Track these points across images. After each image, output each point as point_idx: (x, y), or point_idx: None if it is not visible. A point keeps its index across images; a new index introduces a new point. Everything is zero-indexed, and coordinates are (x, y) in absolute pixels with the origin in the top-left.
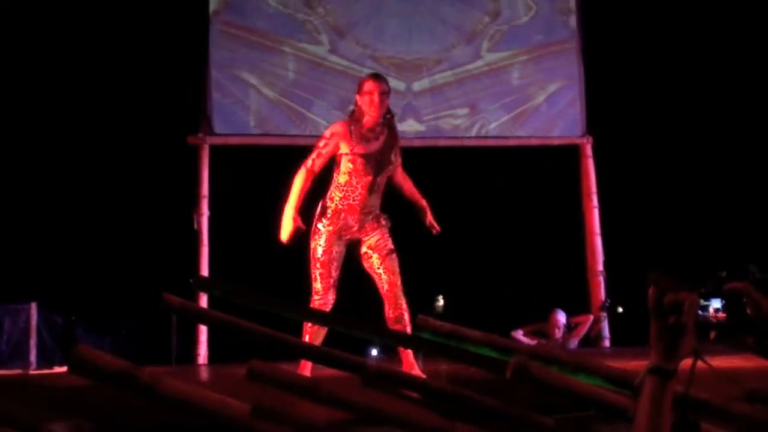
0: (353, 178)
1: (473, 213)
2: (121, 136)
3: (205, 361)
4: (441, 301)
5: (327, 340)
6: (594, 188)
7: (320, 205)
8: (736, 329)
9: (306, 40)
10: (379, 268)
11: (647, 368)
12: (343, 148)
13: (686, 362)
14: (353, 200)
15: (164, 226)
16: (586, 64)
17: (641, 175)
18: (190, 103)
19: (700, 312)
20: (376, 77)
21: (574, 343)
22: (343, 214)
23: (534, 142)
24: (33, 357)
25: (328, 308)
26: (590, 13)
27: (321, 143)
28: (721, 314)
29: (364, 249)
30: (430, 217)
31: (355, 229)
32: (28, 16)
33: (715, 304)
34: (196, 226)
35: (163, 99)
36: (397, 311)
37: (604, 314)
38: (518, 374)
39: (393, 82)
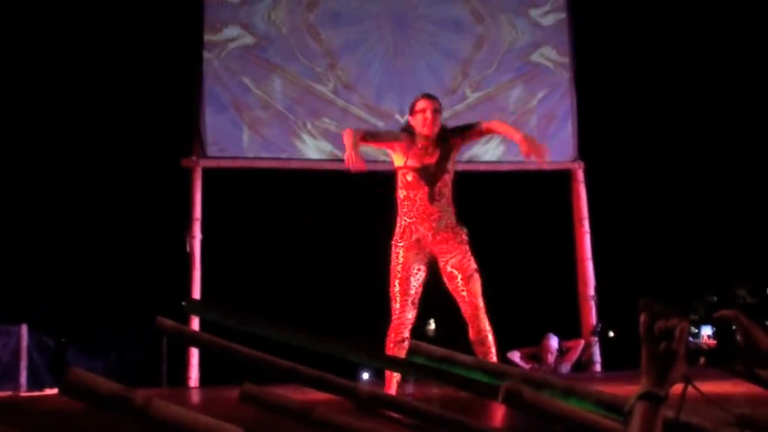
0: (410, 191)
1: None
2: (114, 158)
3: (197, 384)
4: (432, 325)
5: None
6: (585, 213)
7: (394, 234)
8: (727, 356)
9: (310, 78)
10: (462, 290)
11: (638, 393)
12: (397, 161)
13: (677, 388)
14: (417, 211)
15: (157, 248)
16: (577, 90)
17: (633, 200)
18: (184, 126)
19: (691, 338)
20: (428, 96)
21: (566, 368)
22: (413, 228)
23: (526, 167)
24: (23, 379)
25: (403, 328)
26: (581, 39)
27: (384, 131)
28: (711, 341)
29: (448, 268)
30: (525, 149)
31: (430, 240)
32: (14, 30)
33: (706, 330)
34: (188, 249)
35: (157, 121)
36: (481, 334)
37: (596, 339)
38: (510, 398)
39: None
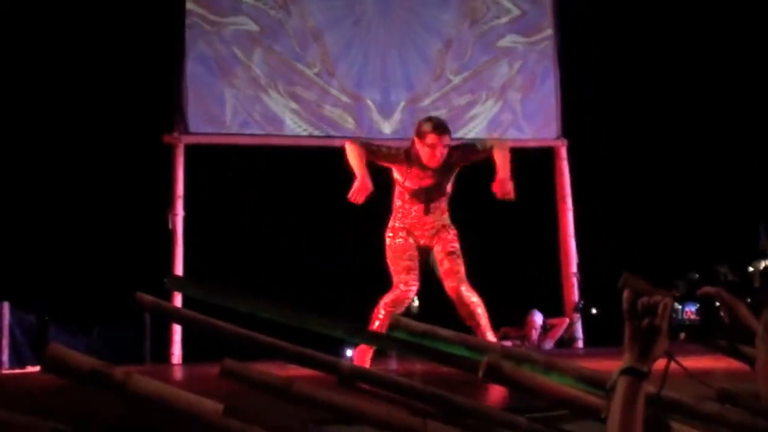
0: (405, 203)
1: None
2: (95, 135)
3: (180, 361)
4: (416, 302)
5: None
6: (568, 190)
7: (389, 223)
8: (710, 332)
9: (293, 57)
10: (440, 272)
11: (621, 369)
12: (396, 175)
13: (659, 364)
14: (411, 220)
15: (139, 226)
16: (561, 67)
17: (615, 177)
18: (165, 102)
19: (673, 314)
20: (440, 129)
21: (549, 345)
22: (403, 232)
23: (509, 144)
24: (5, 357)
25: (407, 302)
26: (566, 16)
27: (383, 148)
28: (694, 317)
29: (432, 258)
30: (495, 184)
31: (422, 243)
32: None
33: (689, 306)
34: (170, 226)
35: (138, 97)
36: (465, 309)
37: (578, 315)
38: (490, 373)
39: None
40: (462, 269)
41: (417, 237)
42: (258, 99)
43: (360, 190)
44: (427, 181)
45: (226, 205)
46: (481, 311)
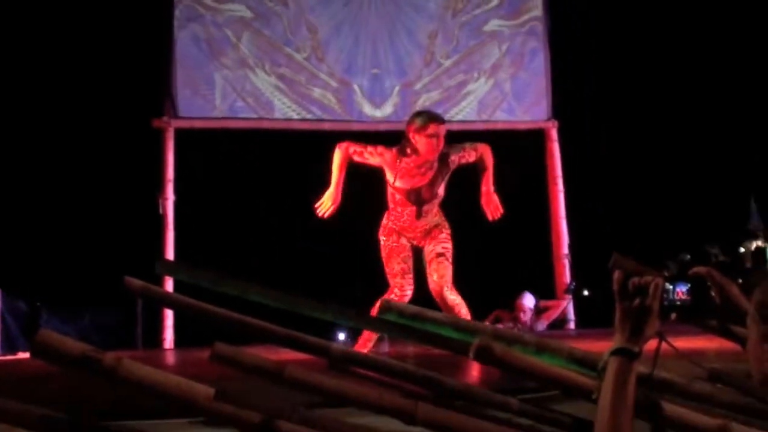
0: (398, 206)
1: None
2: (85, 119)
3: (172, 346)
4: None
5: (293, 324)
6: (559, 172)
7: (382, 221)
8: (701, 312)
9: (283, 40)
10: (428, 272)
11: (612, 349)
12: (388, 176)
13: (650, 344)
14: (403, 223)
15: (130, 210)
16: (552, 48)
17: (606, 158)
18: (155, 86)
19: (664, 295)
20: (439, 119)
21: (542, 326)
22: (395, 235)
23: (500, 126)
24: None
25: (402, 301)
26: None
27: (369, 149)
28: (685, 297)
29: (423, 255)
30: (483, 204)
31: (414, 243)
32: None
33: (680, 287)
34: (161, 211)
35: (128, 81)
36: (449, 311)
37: (570, 297)
38: (481, 355)
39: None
40: (448, 272)
41: (409, 238)
42: (248, 82)
43: (326, 203)
44: (420, 180)
45: (217, 188)
46: (464, 311)
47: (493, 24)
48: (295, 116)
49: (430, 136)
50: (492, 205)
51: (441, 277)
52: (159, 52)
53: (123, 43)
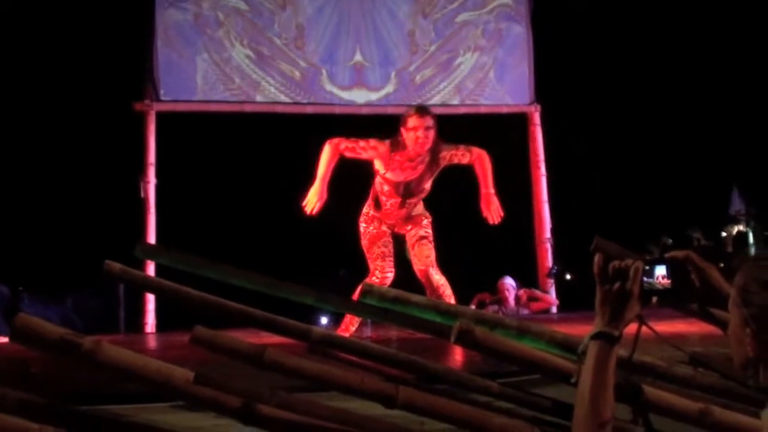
0: (383, 196)
1: None
2: (66, 103)
3: (154, 330)
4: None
5: (274, 308)
6: (542, 156)
7: (363, 208)
8: (681, 296)
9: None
10: (412, 256)
11: (592, 333)
12: (378, 167)
13: (630, 328)
14: (385, 212)
15: (111, 194)
16: (534, 32)
17: (588, 142)
18: (137, 69)
19: (645, 278)
20: (421, 112)
21: (524, 312)
22: (377, 221)
23: (482, 110)
24: None
25: (383, 285)
26: None
27: (361, 143)
28: (666, 281)
29: (404, 241)
30: (483, 206)
31: (395, 230)
32: None
33: (661, 270)
34: (142, 194)
35: (109, 64)
36: (434, 292)
37: (552, 281)
38: (462, 338)
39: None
40: (432, 254)
41: (390, 225)
42: (228, 66)
43: (312, 200)
44: (411, 174)
45: (199, 172)
46: (448, 292)
47: (463, 16)
48: (277, 94)
49: (411, 129)
50: (493, 208)
51: (426, 257)
52: (140, 35)
53: (104, 26)
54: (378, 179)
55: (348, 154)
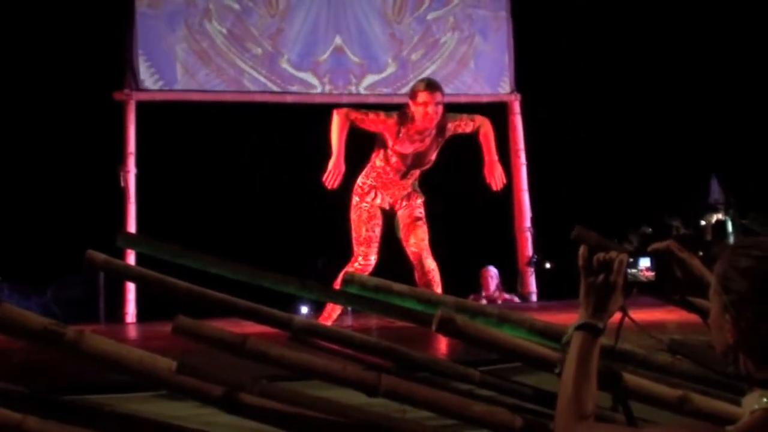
0: (387, 165)
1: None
2: (46, 92)
3: (134, 320)
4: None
5: (255, 297)
6: (522, 145)
7: (357, 180)
8: (664, 287)
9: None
10: (404, 237)
11: (576, 324)
12: (387, 139)
13: (614, 317)
14: (385, 180)
15: (91, 184)
16: (514, 21)
17: (568, 131)
18: (117, 58)
19: (629, 270)
20: (431, 87)
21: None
22: (377, 192)
23: (462, 99)
24: None
25: (365, 270)
26: None
27: (371, 115)
28: (649, 272)
29: (396, 220)
30: (487, 173)
31: (389, 203)
32: None
33: (644, 262)
34: (122, 184)
35: (88, 53)
36: (425, 278)
37: (532, 269)
38: (443, 326)
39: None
40: (426, 236)
41: (385, 197)
42: (210, 54)
43: (333, 173)
44: (420, 146)
45: (179, 160)
46: (437, 279)
47: (431, 15)
48: (256, 77)
49: (420, 104)
50: (497, 174)
51: (421, 240)
52: (120, 24)
53: (83, 16)
54: (384, 151)
55: (358, 124)
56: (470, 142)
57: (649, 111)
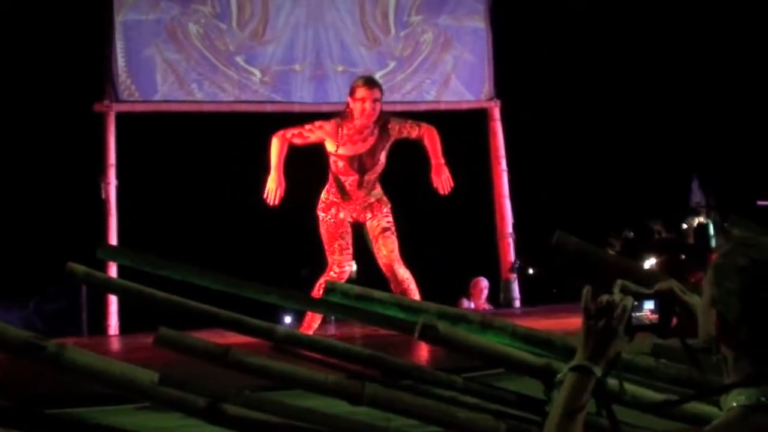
0: (340, 176)
1: (384, 178)
2: (25, 104)
3: (117, 332)
4: (354, 267)
5: (238, 308)
6: (502, 151)
7: (321, 196)
8: (668, 331)
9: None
10: (375, 249)
11: (572, 365)
12: (329, 146)
13: None
14: (345, 195)
15: (72, 195)
16: (493, 27)
17: (549, 137)
18: (96, 69)
19: (634, 314)
20: (369, 84)
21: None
22: (335, 208)
23: (443, 106)
24: None
25: (341, 278)
26: None
27: (307, 126)
28: (654, 316)
29: (366, 231)
30: (434, 177)
31: (352, 217)
32: None
33: (649, 305)
34: (103, 196)
35: (68, 65)
36: (402, 285)
37: (514, 276)
38: (425, 334)
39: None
40: (396, 246)
41: (350, 211)
42: (190, 65)
43: (273, 190)
44: (362, 146)
45: (160, 172)
46: (413, 287)
47: (409, 28)
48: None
49: (358, 100)
50: (443, 177)
51: (390, 251)
52: (100, 36)
53: (63, 27)
54: (332, 159)
55: (297, 141)
56: (449, 149)
57: (629, 115)
